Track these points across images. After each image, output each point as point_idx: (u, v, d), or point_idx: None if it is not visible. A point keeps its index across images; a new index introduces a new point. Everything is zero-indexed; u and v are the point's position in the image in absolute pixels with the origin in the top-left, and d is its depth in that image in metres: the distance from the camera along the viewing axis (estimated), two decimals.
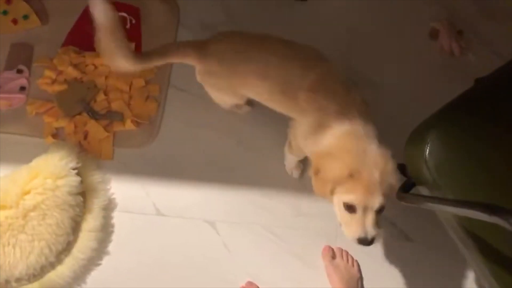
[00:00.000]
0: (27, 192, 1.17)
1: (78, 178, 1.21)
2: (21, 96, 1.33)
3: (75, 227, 1.21)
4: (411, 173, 0.86)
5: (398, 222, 1.28)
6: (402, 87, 1.37)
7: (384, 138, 1.29)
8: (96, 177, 1.26)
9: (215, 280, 1.24)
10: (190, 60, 1.04)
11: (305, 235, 1.27)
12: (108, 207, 1.27)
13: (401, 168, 0.97)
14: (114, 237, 1.26)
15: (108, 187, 1.28)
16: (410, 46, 1.41)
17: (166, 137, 1.33)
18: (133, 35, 1.39)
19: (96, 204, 1.24)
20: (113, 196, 1.29)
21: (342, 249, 1.25)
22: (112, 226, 1.27)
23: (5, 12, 1.38)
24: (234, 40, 1.02)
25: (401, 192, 0.81)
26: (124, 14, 1.40)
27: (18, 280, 1.17)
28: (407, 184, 0.87)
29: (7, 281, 1.17)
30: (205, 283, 1.23)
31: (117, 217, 1.28)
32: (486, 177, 0.75)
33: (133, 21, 1.40)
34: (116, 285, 1.23)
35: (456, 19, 1.41)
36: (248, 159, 1.32)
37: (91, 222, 1.22)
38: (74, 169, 1.21)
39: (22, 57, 1.37)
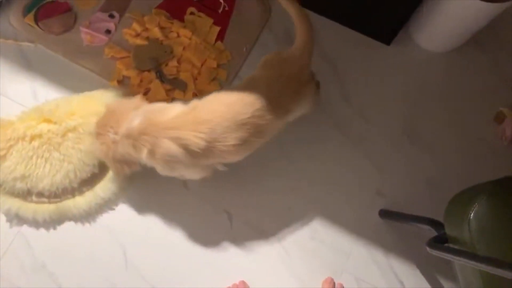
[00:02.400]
0: (73, 114, 1.23)
1: None
2: (104, 37, 1.41)
3: (103, 163, 1.25)
4: (448, 230, 0.86)
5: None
6: (451, 154, 1.38)
7: (420, 195, 1.32)
8: None
9: (211, 268, 1.24)
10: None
11: (313, 260, 1.27)
12: None
13: (433, 224, 0.97)
14: (135, 188, 1.30)
15: None
16: (473, 121, 1.42)
17: None
18: (222, 21, 1.46)
19: None
20: None
21: (343, 286, 1.23)
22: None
23: None
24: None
25: (433, 243, 0.81)
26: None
27: (39, 194, 1.22)
28: (439, 238, 0.87)
29: (30, 192, 1.22)
30: (199, 267, 1.24)
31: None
32: None
33: (226, 8, 1.48)
34: (119, 234, 1.26)
35: None
36: (283, 168, 1.34)
37: None
38: None
39: (118, 4, 1.46)
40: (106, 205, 1.27)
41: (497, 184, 0.84)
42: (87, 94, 1.31)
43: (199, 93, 1.36)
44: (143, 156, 0.99)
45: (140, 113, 1.00)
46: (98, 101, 1.26)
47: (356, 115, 1.40)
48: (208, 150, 0.97)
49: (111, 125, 1.02)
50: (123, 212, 1.28)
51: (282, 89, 1.00)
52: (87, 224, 1.26)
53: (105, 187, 1.26)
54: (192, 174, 1.13)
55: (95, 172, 1.25)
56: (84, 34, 1.41)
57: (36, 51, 1.41)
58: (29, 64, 1.40)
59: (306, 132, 1.37)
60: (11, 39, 1.40)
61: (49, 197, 1.23)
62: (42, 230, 1.25)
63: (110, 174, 1.27)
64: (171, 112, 0.99)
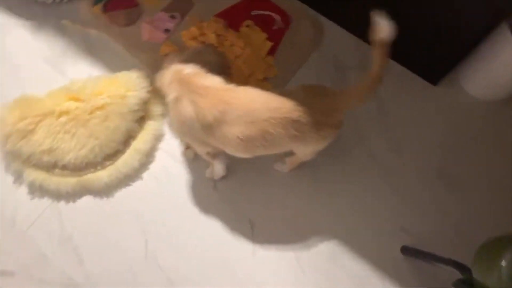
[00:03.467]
0: (101, 93, 1.31)
1: (145, 97, 1.35)
2: (163, 35, 1.50)
3: (127, 141, 1.33)
4: (476, 275, 0.85)
5: None
6: (483, 201, 1.36)
7: (445, 237, 1.30)
8: (157, 108, 1.39)
9: (225, 271, 1.26)
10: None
11: (326, 281, 1.26)
12: (159, 139, 1.38)
13: (459, 266, 0.96)
14: (151, 166, 1.36)
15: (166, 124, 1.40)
16: (508, 171, 1.40)
17: None
18: (275, 37, 1.52)
19: (152, 128, 1.36)
20: (166, 135, 1.40)
21: None
22: (154, 157, 1.36)
23: None
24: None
25: (461, 284, 0.81)
26: (277, 17, 1.55)
27: (64, 166, 1.29)
28: (466, 281, 0.86)
29: (55, 165, 1.29)
30: (214, 268, 1.26)
31: (161, 155, 1.37)
32: None
33: (282, 26, 1.54)
34: (145, 222, 1.30)
35: None
36: (312, 186, 1.36)
37: (141, 144, 1.34)
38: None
39: (181, 7, 1.55)
40: (124, 181, 1.33)
41: None
42: (112, 75, 1.39)
43: None
44: (169, 98, 1.05)
45: (194, 67, 1.06)
46: (123, 82, 1.35)
47: (392, 148, 1.41)
48: (213, 128, 1.01)
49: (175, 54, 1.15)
50: (152, 200, 1.32)
51: (307, 116, 0.98)
52: (114, 204, 1.31)
53: (127, 162, 1.32)
54: (195, 144, 1.17)
55: (119, 149, 1.32)
56: (145, 30, 1.50)
57: (99, 38, 1.50)
58: (90, 49, 1.49)
59: (339, 156, 1.39)
60: (78, 25, 1.50)
61: (73, 170, 1.30)
62: (74, 204, 1.30)
63: (131, 150, 1.33)
64: (208, 81, 1.04)
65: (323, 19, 1.57)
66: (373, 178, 1.38)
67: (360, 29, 1.52)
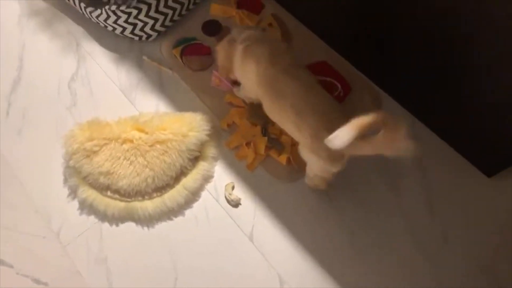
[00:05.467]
0: (165, 129, 1.39)
1: (203, 139, 1.43)
2: (229, 85, 1.58)
3: (178, 177, 1.39)
4: None
5: None
6: None
7: None
8: (212, 151, 1.45)
9: None
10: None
11: None
12: (208, 180, 1.43)
13: None
14: (195, 205, 1.40)
15: (216, 167, 1.46)
16: None
17: (298, 192, 1.42)
18: None
19: (203, 169, 1.41)
20: (214, 178, 1.45)
21: None
22: (200, 196, 1.41)
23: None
24: None
25: None
26: (338, 84, 1.61)
27: (115, 191, 1.36)
28: None
29: (108, 187, 1.36)
30: None
31: (207, 196, 1.42)
32: None
33: (341, 94, 1.60)
34: (169, 246, 1.34)
35: None
36: (346, 254, 1.34)
37: (190, 182, 1.39)
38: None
39: None
40: (167, 215, 1.38)
41: None
42: (178, 114, 1.49)
43: (293, 159, 1.45)
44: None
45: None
46: (187, 122, 1.43)
47: (436, 231, 1.37)
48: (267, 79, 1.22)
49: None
50: (188, 239, 1.35)
51: (319, 120, 1.12)
52: (153, 235, 1.35)
53: (173, 197, 1.38)
54: (248, 87, 1.34)
55: (169, 183, 1.38)
56: (214, 77, 1.60)
57: (171, 77, 1.63)
58: (161, 85, 1.61)
59: (378, 226, 1.38)
60: (156, 62, 1.64)
61: (123, 195, 1.36)
62: (116, 228, 1.36)
63: (180, 186, 1.39)
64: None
65: (381, 92, 1.62)
66: (411, 256, 1.33)
67: (417, 108, 1.55)
